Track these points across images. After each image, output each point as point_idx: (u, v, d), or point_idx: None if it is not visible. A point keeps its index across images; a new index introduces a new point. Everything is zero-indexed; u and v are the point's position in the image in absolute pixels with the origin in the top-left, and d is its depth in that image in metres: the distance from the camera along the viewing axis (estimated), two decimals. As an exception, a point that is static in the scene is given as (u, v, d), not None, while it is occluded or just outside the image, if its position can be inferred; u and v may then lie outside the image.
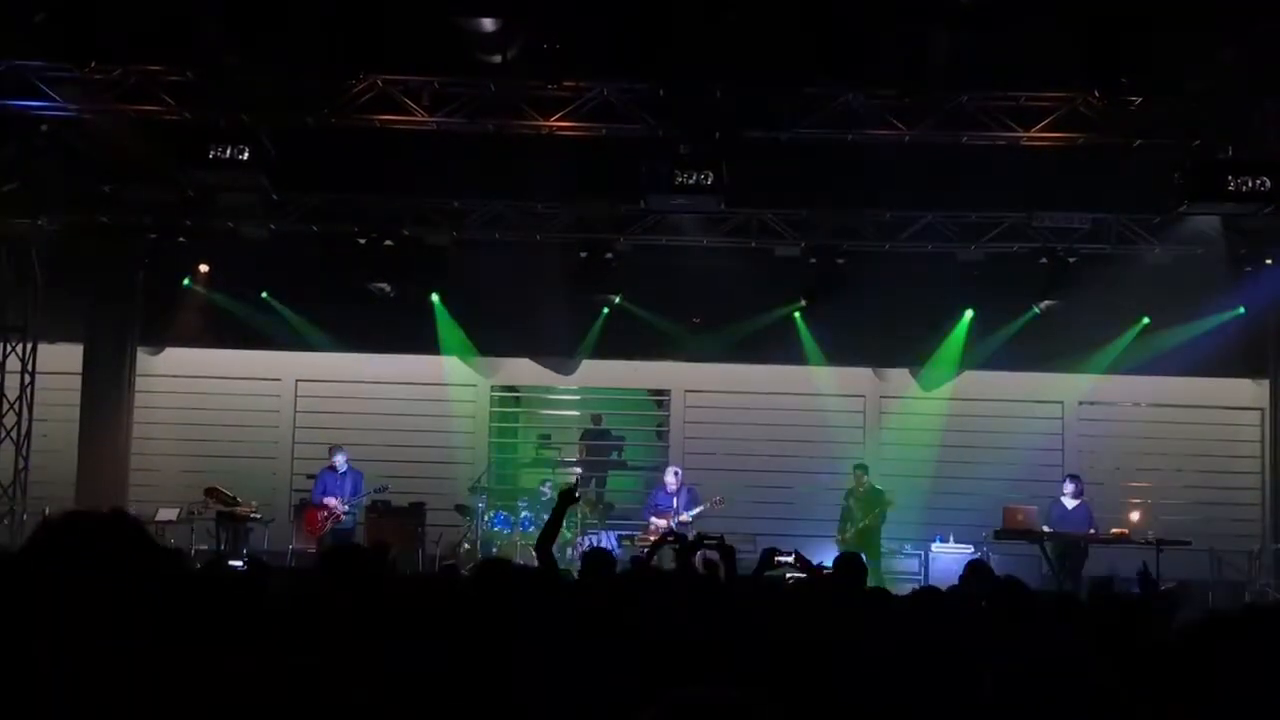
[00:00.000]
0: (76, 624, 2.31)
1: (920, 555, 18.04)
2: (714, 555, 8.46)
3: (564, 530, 16.79)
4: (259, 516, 17.50)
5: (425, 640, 4.24)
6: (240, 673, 2.50)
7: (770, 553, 8.65)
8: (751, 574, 8.40)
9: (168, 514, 17.14)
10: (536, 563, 7.77)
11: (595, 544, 17.58)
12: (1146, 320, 18.94)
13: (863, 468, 17.83)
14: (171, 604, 2.47)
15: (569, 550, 16.55)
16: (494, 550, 16.68)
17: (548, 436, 20.88)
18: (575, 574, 9.25)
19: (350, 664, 3.47)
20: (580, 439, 20.73)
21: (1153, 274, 17.98)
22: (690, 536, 15.27)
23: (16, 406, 17.94)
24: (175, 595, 2.52)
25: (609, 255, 17.93)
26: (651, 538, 16.93)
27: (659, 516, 17.04)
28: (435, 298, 19.37)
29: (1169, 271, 17.93)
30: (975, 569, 9.36)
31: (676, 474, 17.40)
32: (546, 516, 16.41)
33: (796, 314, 19.21)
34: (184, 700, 2.36)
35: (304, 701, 2.47)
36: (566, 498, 8.17)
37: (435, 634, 4.29)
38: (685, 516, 16.78)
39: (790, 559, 9.75)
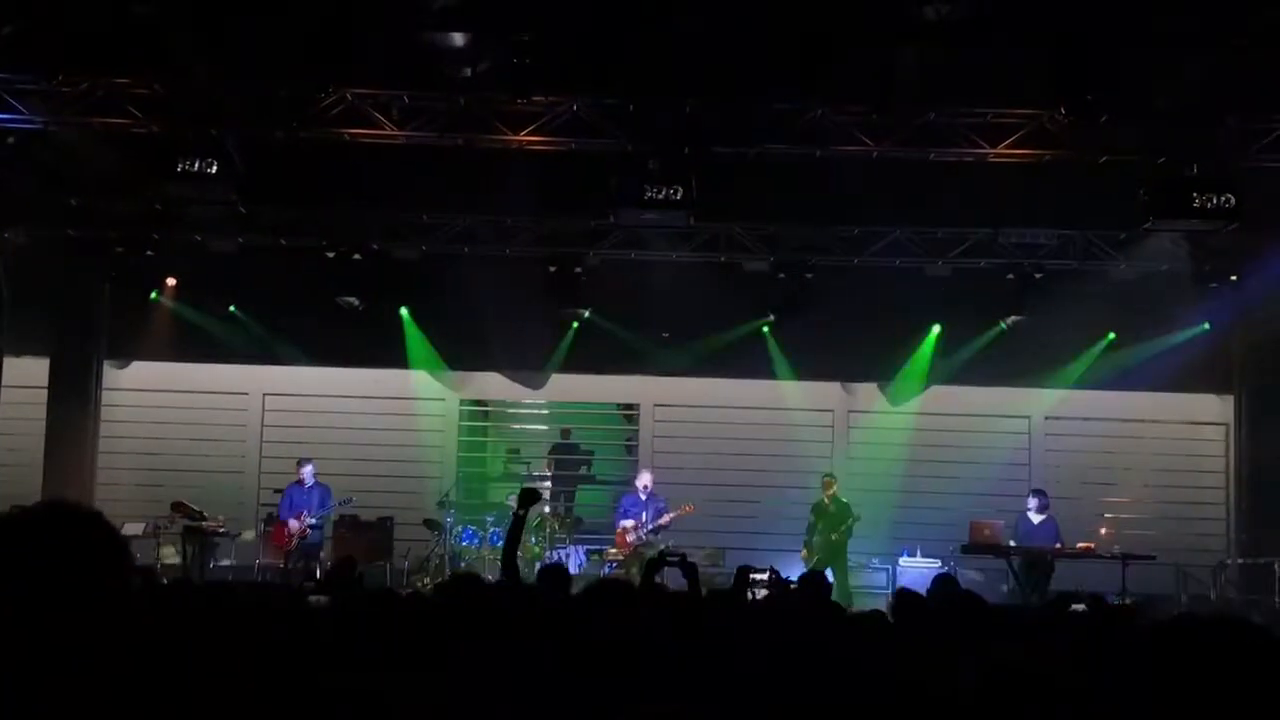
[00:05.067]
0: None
1: (888, 569, 18.08)
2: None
3: (531, 545, 16.80)
4: (226, 531, 17.41)
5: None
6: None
7: (745, 570, 8.64)
8: (728, 591, 8.39)
9: (134, 528, 17.00)
10: (502, 574, 7.71)
11: (564, 558, 17.60)
12: (1112, 336, 19.05)
13: (832, 476, 17.87)
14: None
15: (536, 565, 16.50)
16: (462, 565, 16.63)
17: (516, 451, 20.86)
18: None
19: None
20: (549, 453, 20.72)
21: (1118, 290, 18.09)
22: (660, 547, 15.37)
23: (-19, 420, 17.82)
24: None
25: (578, 270, 17.93)
26: (621, 547, 16.95)
27: (628, 519, 17.08)
28: (404, 312, 19.35)
29: (1134, 287, 18.04)
30: (942, 583, 9.36)
31: (647, 481, 17.40)
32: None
33: (765, 328, 19.25)
34: None
35: None
36: (529, 497, 8.13)
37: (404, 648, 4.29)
38: (657, 523, 16.82)
39: (764, 576, 9.75)
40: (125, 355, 19.90)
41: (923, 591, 7.31)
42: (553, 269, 17.90)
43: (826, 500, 17.49)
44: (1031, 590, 15.56)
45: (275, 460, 19.45)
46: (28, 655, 2.16)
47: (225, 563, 17.84)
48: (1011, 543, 16.18)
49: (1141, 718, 2.69)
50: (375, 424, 19.92)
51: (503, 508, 17.96)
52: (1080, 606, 7.26)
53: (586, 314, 18.66)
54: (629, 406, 20.77)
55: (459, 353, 19.79)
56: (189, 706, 2.39)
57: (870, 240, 17.66)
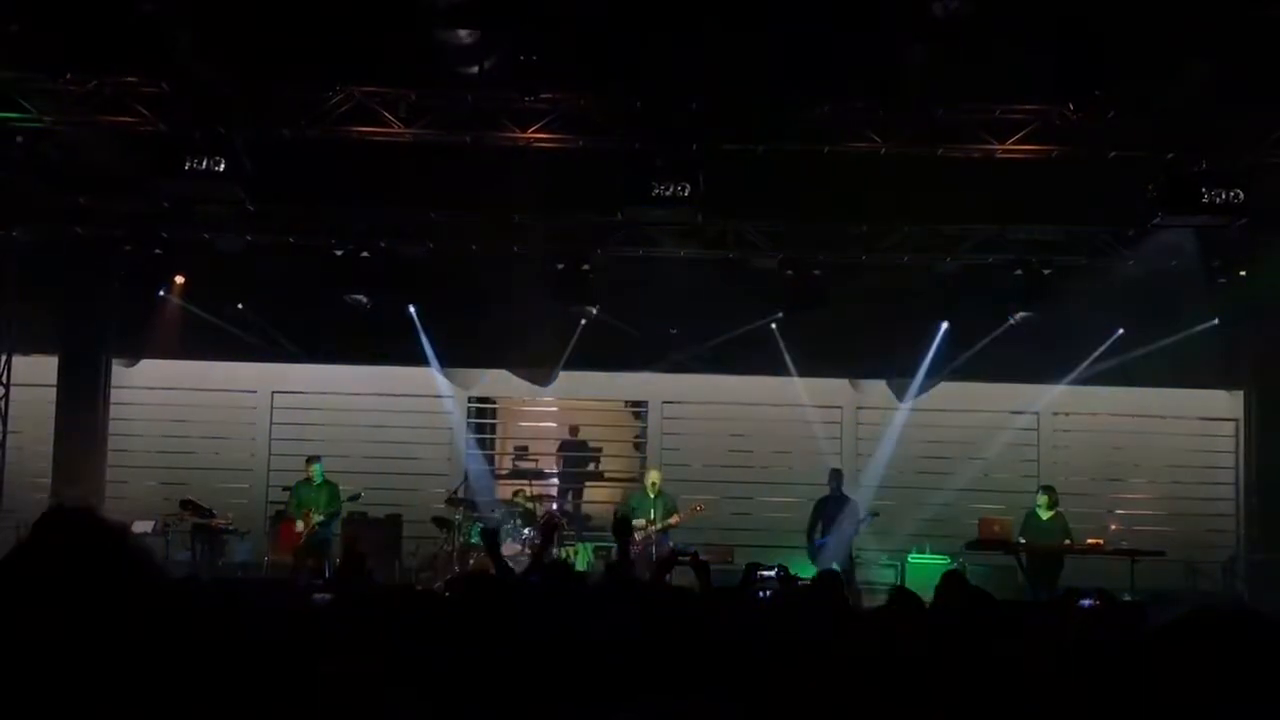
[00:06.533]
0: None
1: (897, 566, 18.07)
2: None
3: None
4: (235, 529, 17.45)
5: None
6: None
7: (753, 568, 8.64)
8: (736, 588, 8.39)
9: (143, 526, 17.03)
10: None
11: (569, 556, 17.62)
12: (1121, 332, 19.00)
13: (838, 473, 17.88)
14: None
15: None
16: (470, 563, 16.62)
17: (525, 448, 20.87)
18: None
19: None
20: (557, 450, 20.73)
21: (1127, 286, 18.01)
22: (670, 545, 15.38)
23: (-9, 419, 17.86)
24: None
25: (586, 267, 17.91)
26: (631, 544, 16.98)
27: (636, 518, 17.09)
28: (412, 309, 19.33)
29: (1143, 283, 17.97)
30: (951, 580, 9.32)
31: (656, 479, 17.43)
32: (525, 529, 16.56)
33: (773, 325, 19.22)
34: None
35: None
36: (490, 539, 8.26)
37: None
38: (666, 522, 16.83)
39: (773, 574, 9.74)
40: (134, 353, 19.92)
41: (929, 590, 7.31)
42: (560, 266, 17.88)
43: (832, 496, 17.54)
44: (1040, 586, 15.55)
45: (284, 458, 19.47)
46: (47, 658, 2.16)
47: (235, 561, 17.87)
48: (1021, 539, 16.18)
49: (1150, 714, 2.68)
50: (384, 421, 19.94)
51: (510, 505, 18.01)
52: (1089, 602, 7.26)
53: (594, 311, 18.64)
54: (637, 403, 20.77)
55: (467, 350, 19.77)
56: (191, 706, 2.38)
57: (878, 237, 17.62)
